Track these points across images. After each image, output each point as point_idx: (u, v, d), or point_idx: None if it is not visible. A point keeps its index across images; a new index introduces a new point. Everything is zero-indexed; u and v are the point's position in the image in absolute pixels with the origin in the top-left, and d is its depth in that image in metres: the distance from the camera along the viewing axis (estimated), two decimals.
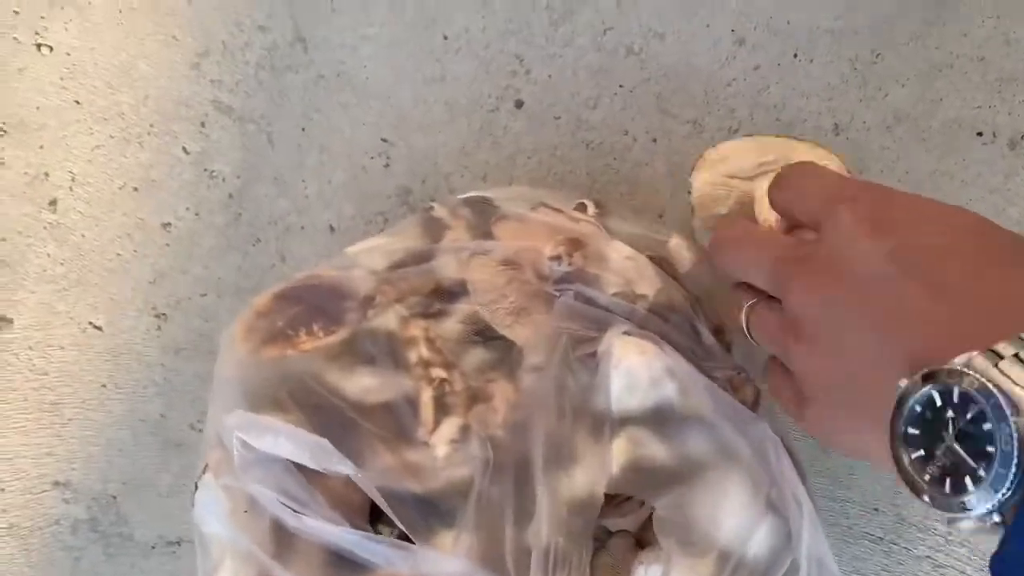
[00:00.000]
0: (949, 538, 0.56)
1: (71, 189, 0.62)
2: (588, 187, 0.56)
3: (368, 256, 0.49)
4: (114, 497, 0.63)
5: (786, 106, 0.56)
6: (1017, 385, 0.27)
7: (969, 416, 0.28)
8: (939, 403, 0.29)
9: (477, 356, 0.46)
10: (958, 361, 0.28)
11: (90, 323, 0.62)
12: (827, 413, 0.36)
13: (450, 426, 0.45)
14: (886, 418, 0.30)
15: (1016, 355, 0.27)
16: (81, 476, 0.63)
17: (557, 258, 0.44)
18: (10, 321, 0.63)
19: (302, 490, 0.43)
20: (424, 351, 0.46)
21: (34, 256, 0.62)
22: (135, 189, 0.61)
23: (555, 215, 0.46)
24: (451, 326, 0.46)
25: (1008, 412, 0.27)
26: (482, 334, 0.47)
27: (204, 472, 0.44)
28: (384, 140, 0.59)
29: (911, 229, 0.33)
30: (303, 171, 0.59)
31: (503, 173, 0.57)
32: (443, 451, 0.43)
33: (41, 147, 0.62)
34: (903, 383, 0.30)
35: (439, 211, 0.51)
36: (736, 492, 0.42)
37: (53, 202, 0.62)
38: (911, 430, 0.30)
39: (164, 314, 0.62)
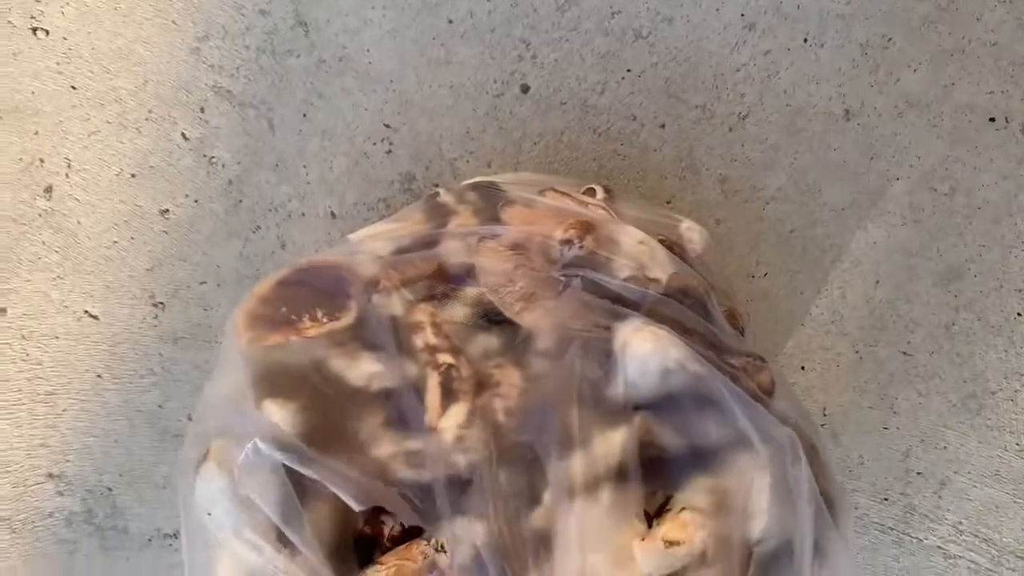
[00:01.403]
0: (960, 528, 0.55)
1: (67, 176, 0.61)
2: (595, 173, 0.55)
3: (372, 242, 0.48)
4: (110, 489, 0.62)
5: (796, 91, 0.55)
6: None
7: None
8: None
9: (483, 341, 0.46)
10: None
11: (86, 312, 0.61)
12: None
13: (458, 412, 0.44)
14: None
15: None
16: (76, 468, 0.63)
17: (568, 242, 0.43)
18: (3, 310, 0.62)
19: (292, 511, 0.42)
20: (430, 336, 0.45)
21: (28, 244, 0.62)
22: (133, 176, 0.61)
23: (564, 199, 0.46)
24: (457, 310, 0.46)
25: None
26: (488, 318, 0.46)
27: (205, 460, 0.43)
28: (387, 125, 0.59)
29: None
30: (304, 157, 0.59)
31: (509, 159, 0.57)
32: (451, 436, 0.42)
33: (36, 133, 0.62)
34: None
35: (445, 196, 0.50)
36: (754, 478, 0.41)
37: (48, 189, 0.61)
38: None
39: (162, 303, 0.61)
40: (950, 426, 0.58)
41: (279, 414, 0.44)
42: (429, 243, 0.48)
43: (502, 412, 0.44)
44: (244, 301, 0.46)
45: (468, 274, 0.46)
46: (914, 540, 0.56)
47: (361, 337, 0.45)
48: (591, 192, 0.49)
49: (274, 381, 0.45)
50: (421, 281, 0.47)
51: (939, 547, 0.57)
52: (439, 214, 0.50)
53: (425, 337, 0.45)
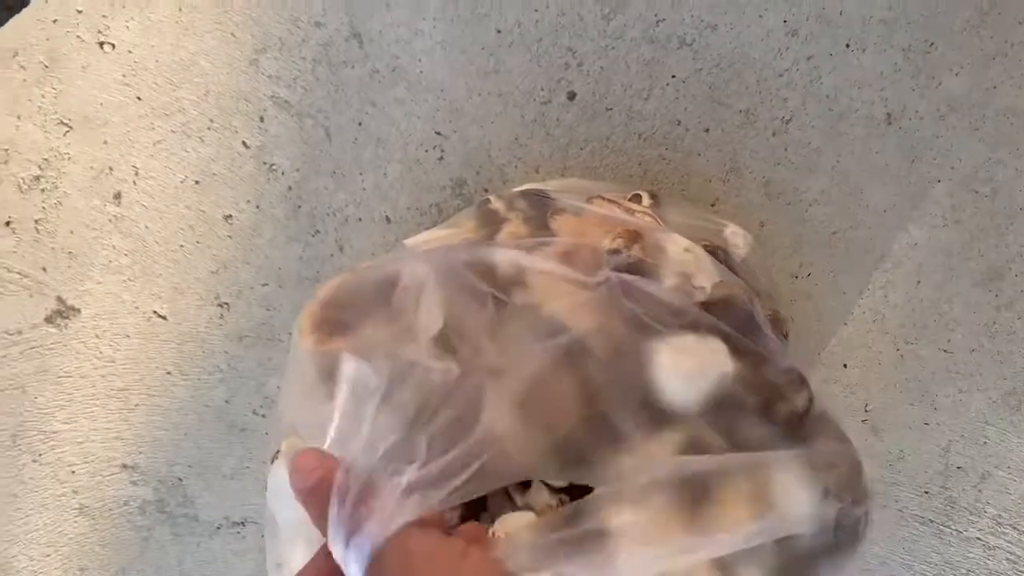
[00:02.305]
0: (1000, 520, 0.57)
1: (134, 183, 0.65)
2: (640, 177, 0.57)
3: (426, 248, 0.51)
4: (180, 479, 0.66)
5: (839, 96, 0.57)
6: None
7: None
8: None
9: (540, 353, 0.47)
10: None
11: (155, 312, 0.65)
12: None
13: None
14: None
15: None
16: (148, 459, 0.66)
17: (615, 251, 0.45)
18: (78, 311, 0.66)
19: None
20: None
21: (100, 248, 0.65)
22: (196, 182, 0.64)
23: (611, 207, 0.48)
24: (508, 324, 0.47)
25: None
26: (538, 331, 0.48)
27: (276, 457, 0.47)
28: (438, 133, 0.61)
29: None
30: (360, 164, 0.61)
31: (556, 164, 0.59)
32: None
33: (105, 142, 0.65)
34: None
35: (495, 203, 0.52)
36: (792, 480, 0.43)
37: (117, 195, 0.65)
38: None
39: (227, 303, 0.64)
40: (990, 422, 0.59)
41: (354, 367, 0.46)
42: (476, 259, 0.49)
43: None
44: (308, 304, 0.49)
45: (519, 282, 0.48)
46: (954, 532, 0.58)
47: (418, 340, 0.48)
48: (637, 198, 0.51)
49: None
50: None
51: (979, 539, 0.59)
52: (491, 221, 0.53)
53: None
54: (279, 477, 0.47)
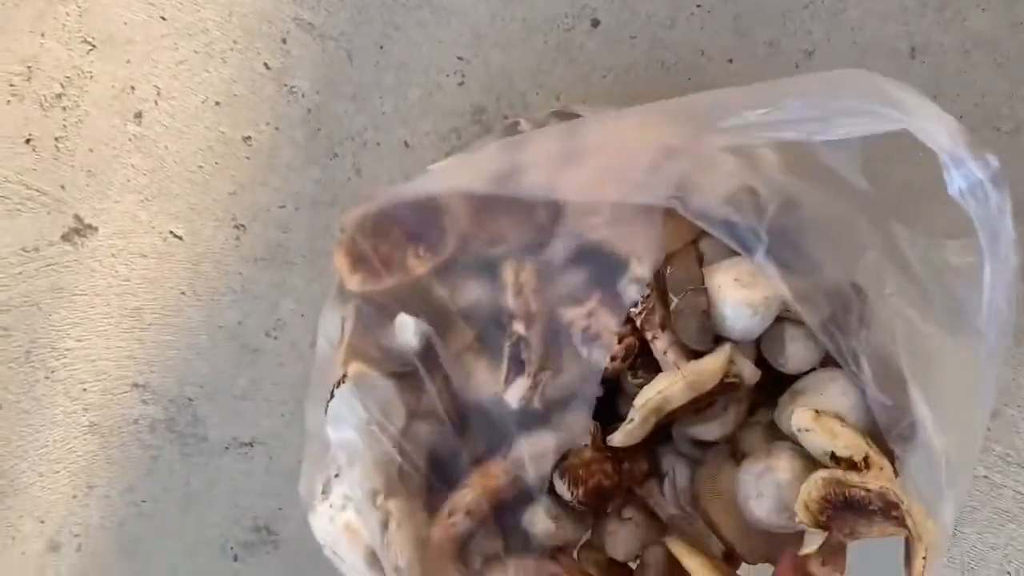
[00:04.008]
0: (1007, 459, 0.57)
1: (155, 103, 0.65)
2: None
3: (455, 174, 0.50)
4: (190, 399, 0.67)
5: (863, 28, 0.57)
6: None
7: None
8: None
9: (573, 279, 0.47)
10: None
11: (171, 232, 0.66)
12: None
13: (521, 386, 0.46)
14: None
15: None
16: (160, 379, 0.68)
17: (656, 167, 0.45)
18: (95, 229, 0.67)
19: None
20: (510, 299, 0.47)
21: (119, 167, 0.66)
22: (217, 103, 0.64)
23: (646, 119, 0.48)
24: (547, 258, 0.47)
25: None
26: (578, 256, 0.47)
27: (342, 383, 0.47)
28: (460, 58, 0.62)
29: None
30: (380, 88, 0.62)
31: (578, 92, 0.59)
32: (515, 405, 0.45)
33: (128, 61, 0.66)
34: None
35: (525, 126, 0.52)
36: (837, 391, 0.44)
37: (138, 115, 0.65)
38: None
39: (243, 225, 0.65)
40: (1003, 360, 0.59)
41: (411, 327, 0.47)
42: (510, 176, 0.49)
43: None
44: (340, 241, 0.49)
45: (554, 211, 0.48)
46: None
47: (460, 269, 0.48)
48: None
49: (403, 301, 0.48)
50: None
51: (985, 476, 0.59)
52: None
53: (506, 299, 0.47)
54: (344, 402, 0.47)
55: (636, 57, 0.60)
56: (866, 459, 0.43)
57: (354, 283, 0.49)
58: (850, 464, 0.44)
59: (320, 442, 0.48)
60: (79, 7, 0.67)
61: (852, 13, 0.58)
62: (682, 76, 0.60)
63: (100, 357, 0.69)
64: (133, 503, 0.70)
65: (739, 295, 0.45)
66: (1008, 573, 0.62)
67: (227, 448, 0.68)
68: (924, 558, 0.42)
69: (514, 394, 0.47)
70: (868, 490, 0.42)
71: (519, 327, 0.47)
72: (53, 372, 0.69)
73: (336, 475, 0.47)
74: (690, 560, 0.44)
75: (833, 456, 0.44)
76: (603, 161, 0.46)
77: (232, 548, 0.69)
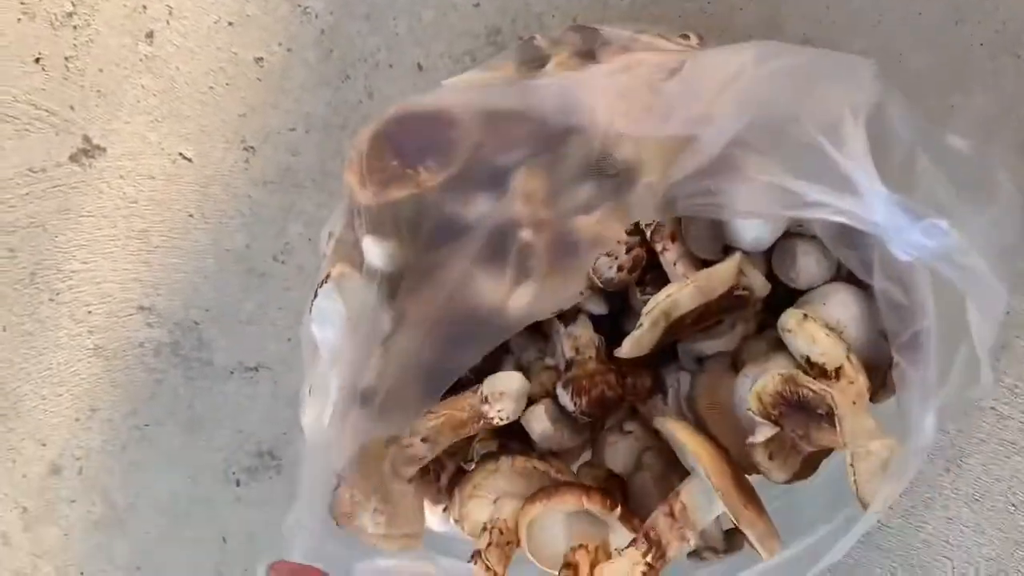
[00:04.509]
0: (1016, 390, 0.57)
1: (167, 22, 0.65)
2: (680, 30, 0.57)
3: (467, 89, 0.50)
4: (196, 323, 0.67)
5: None
6: None
7: None
8: None
9: (583, 190, 0.47)
10: None
11: (180, 154, 0.66)
12: None
13: (525, 292, 0.47)
14: None
15: None
16: (165, 302, 0.68)
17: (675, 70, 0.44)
18: (104, 150, 0.67)
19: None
20: (519, 206, 0.46)
21: (129, 87, 0.66)
22: (230, 24, 0.64)
23: (659, 40, 0.48)
24: (562, 167, 0.47)
25: None
26: (595, 169, 0.47)
27: (325, 282, 0.48)
28: None
29: None
30: (394, 8, 0.62)
31: (595, 14, 0.59)
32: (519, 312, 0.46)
33: None
34: None
35: (540, 42, 0.52)
36: (839, 301, 0.44)
37: (150, 34, 0.65)
38: None
39: (252, 147, 0.65)
40: (1014, 292, 0.59)
41: (375, 251, 0.47)
42: (523, 90, 0.49)
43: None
44: (353, 153, 0.48)
45: (570, 121, 0.47)
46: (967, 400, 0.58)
47: (471, 181, 0.47)
48: (686, 37, 0.50)
49: (378, 220, 0.48)
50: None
51: (992, 408, 0.59)
52: (534, 57, 0.52)
53: (515, 207, 0.47)
54: (326, 300, 0.48)
55: None
56: (839, 370, 0.44)
57: (365, 197, 0.48)
58: (821, 371, 0.44)
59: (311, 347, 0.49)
60: None
61: None
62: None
63: (105, 279, 0.69)
64: (136, 427, 0.70)
65: None
66: (1013, 505, 0.62)
67: (232, 373, 0.68)
68: (855, 480, 0.42)
69: (519, 300, 0.46)
70: (815, 392, 0.42)
71: (527, 235, 0.47)
72: (58, 294, 0.69)
73: (313, 388, 0.48)
74: (689, 439, 0.44)
75: (808, 360, 0.45)
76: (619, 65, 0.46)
77: (234, 473, 0.69)
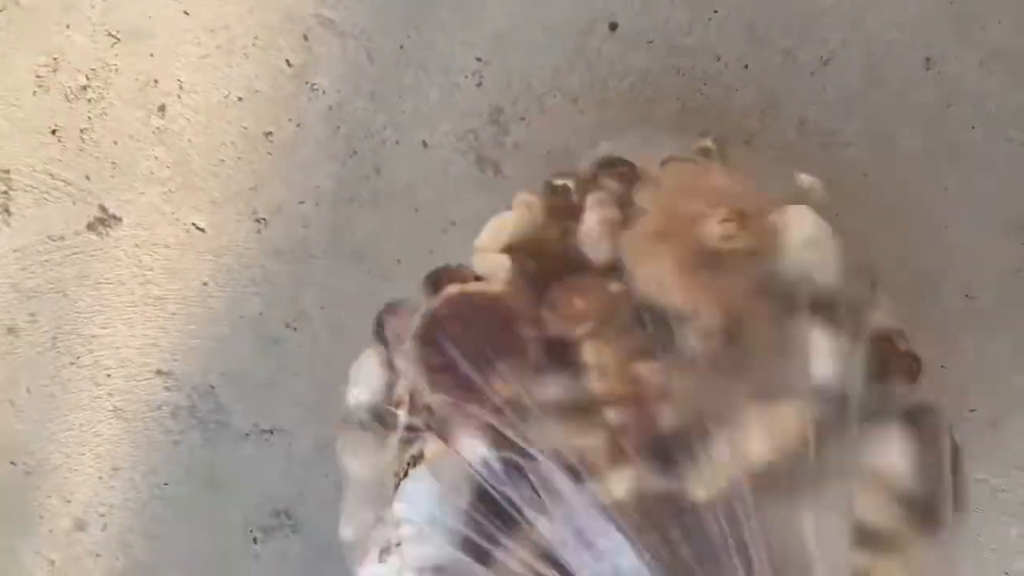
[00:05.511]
0: None
1: (179, 96, 0.67)
2: (678, 111, 0.60)
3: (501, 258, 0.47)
4: (213, 387, 0.70)
5: (880, 37, 0.58)
6: None
7: None
8: None
9: (636, 341, 0.44)
10: None
11: (194, 224, 0.68)
12: None
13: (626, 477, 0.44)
14: None
15: None
16: (182, 366, 0.70)
17: (727, 237, 0.44)
18: (119, 219, 0.69)
19: None
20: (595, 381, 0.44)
21: (143, 159, 0.68)
22: (239, 99, 0.66)
23: (690, 171, 0.47)
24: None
25: None
26: (642, 316, 0.45)
27: (416, 463, 0.46)
28: (479, 59, 0.63)
29: None
30: (400, 87, 0.63)
31: (595, 96, 0.61)
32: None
33: (151, 55, 0.67)
34: None
35: (570, 183, 0.50)
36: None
37: (162, 108, 0.67)
38: None
39: (264, 219, 0.67)
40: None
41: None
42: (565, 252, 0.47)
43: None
44: (411, 350, 0.45)
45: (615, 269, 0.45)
46: None
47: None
48: (706, 152, 0.50)
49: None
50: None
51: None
52: (563, 208, 0.50)
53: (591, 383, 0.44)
54: (417, 480, 0.46)
55: (653, 62, 0.61)
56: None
57: (435, 402, 0.45)
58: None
59: (361, 490, 0.49)
60: (104, 0, 0.69)
61: (869, 21, 0.59)
62: (698, 81, 0.61)
63: (124, 344, 0.71)
64: (156, 485, 0.73)
65: None
66: None
67: (248, 435, 0.71)
68: None
69: (619, 485, 0.42)
70: None
71: (611, 416, 0.42)
72: (79, 358, 0.72)
73: (398, 544, 0.47)
74: None
75: None
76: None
77: (252, 531, 0.71)
